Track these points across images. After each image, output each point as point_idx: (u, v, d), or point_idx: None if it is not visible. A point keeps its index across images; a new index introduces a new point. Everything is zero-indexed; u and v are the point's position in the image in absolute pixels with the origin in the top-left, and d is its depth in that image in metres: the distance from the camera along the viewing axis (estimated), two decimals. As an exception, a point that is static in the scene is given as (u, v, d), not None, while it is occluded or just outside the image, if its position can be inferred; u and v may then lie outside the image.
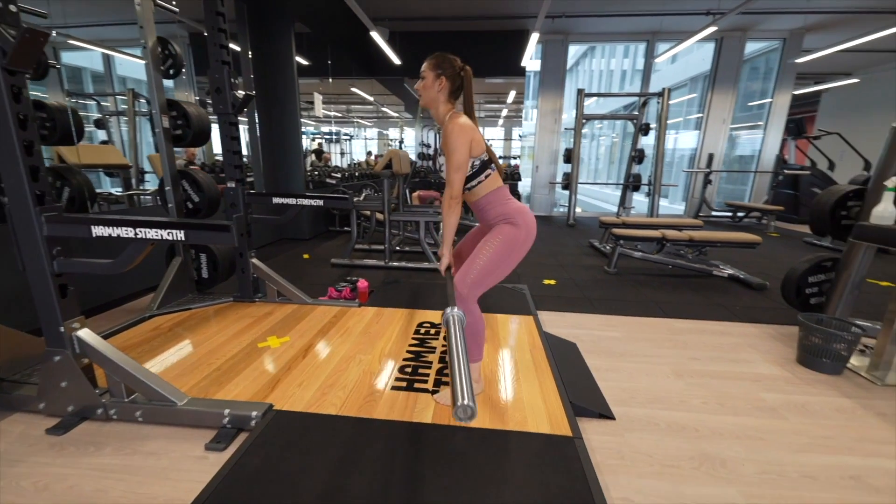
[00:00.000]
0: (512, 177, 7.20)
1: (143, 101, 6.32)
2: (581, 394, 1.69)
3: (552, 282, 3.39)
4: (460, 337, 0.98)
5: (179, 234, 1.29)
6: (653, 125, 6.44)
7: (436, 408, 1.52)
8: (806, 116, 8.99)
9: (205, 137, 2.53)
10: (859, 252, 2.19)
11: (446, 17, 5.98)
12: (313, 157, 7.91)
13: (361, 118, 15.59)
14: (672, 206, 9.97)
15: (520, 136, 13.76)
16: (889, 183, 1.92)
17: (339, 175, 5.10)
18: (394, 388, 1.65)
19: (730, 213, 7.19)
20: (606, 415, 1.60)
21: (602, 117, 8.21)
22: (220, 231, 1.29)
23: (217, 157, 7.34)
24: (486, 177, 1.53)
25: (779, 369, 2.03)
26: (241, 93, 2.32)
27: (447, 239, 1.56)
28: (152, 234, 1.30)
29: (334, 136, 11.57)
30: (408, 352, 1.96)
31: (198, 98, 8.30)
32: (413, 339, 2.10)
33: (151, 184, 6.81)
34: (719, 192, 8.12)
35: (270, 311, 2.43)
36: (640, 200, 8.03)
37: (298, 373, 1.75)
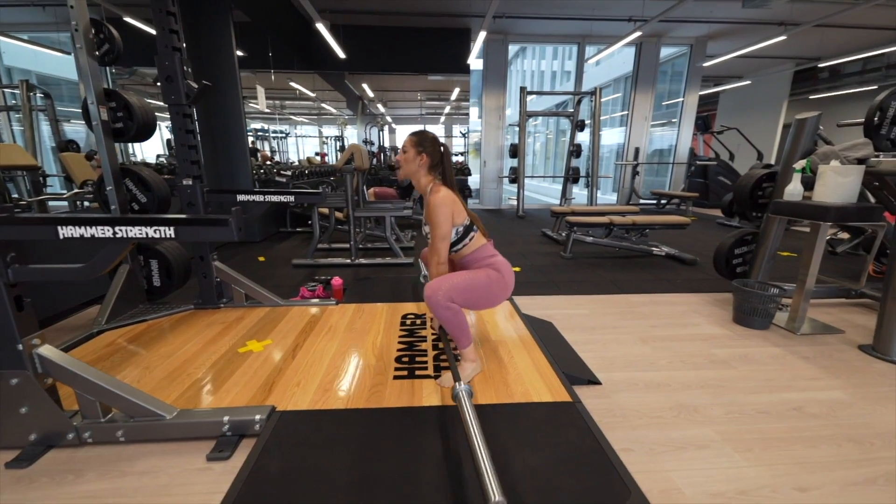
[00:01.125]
0: (462, 172, 7.35)
1: (39, 94, 5.48)
2: (568, 365, 1.83)
3: (517, 269, 3.56)
4: (475, 417, 1.11)
5: (169, 232, 1.19)
6: (588, 121, 6.97)
7: (443, 390, 1.56)
8: (710, 114, 10.28)
9: (150, 131, 2.30)
10: (774, 225, 2.60)
11: (390, 12, 5.94)
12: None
13: (295, 115, 14.82)
14: (605, 196, 10.84)
15: (461, 133, 14.03)
16: (797, 165, 2.31)
17: (289, 173, 4.85)
18: (396, 377, 1.66)
19: (654, 201, 8.01)
20: (594, 381, 1.76)
21: (543, 114, 8.69)
22: (217, 226, 1.20)
23: (161, 157, 6.61)
24: (471, 239, 1.68)
25: (721, 329, 2.35)
26: (195, 82, 2.14)
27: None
28: (135, 232, 1.18)
29: (264, 133, 10.90)
30: (400, 342, 1.97)
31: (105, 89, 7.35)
32: (401, 330, 2.11)
33: (55, 188, 5.93)
34: (645, 183, 9.00)
35: (241, 316, 2.28)
36: (577, 192, 8.66)
37: (292, 373, 1.68)
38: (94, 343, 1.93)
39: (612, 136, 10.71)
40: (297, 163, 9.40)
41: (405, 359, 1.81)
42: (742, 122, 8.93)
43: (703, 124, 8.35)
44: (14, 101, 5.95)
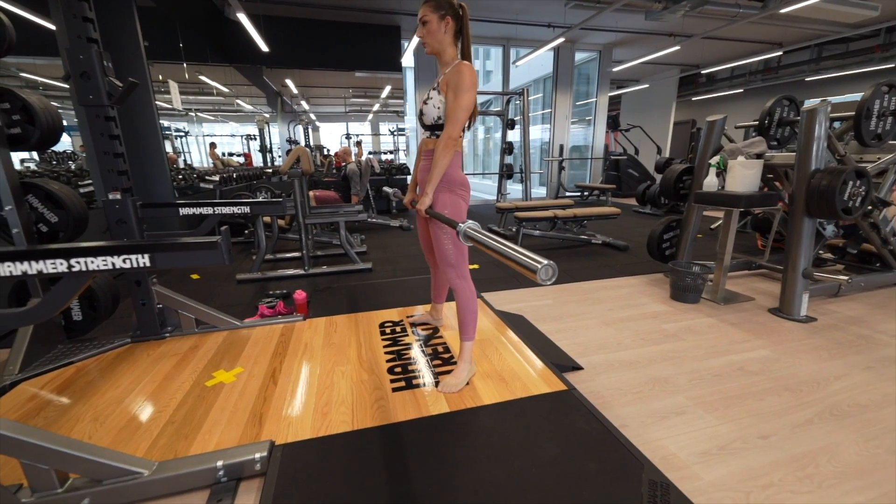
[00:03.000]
0: (400, 171, 7.27)
1: None
2: (551, 354, 1.94)
3: (476, 266, 3.65)
4: (489, 234, 1.07)
5: (143, 260, 1.01)
6: (517, 119, 7.34)
7: (447, 397, 1.56)
8: (618, 113, 11.46)
9: (56, 136, 1.93)
10: (694, 213, 3.01)
11: (316, 5, 5.62)
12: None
13: (201, 111, 13.32)
14: (535, 190, 11.52)
15: (390, 131, 13.84)
16: (713, 161, 2.70)
17: (215, 178, 4.36)
18: (394, 389, 1.62)
19: (579, 193, 8.73)
20: (577, 366, 1.89)
21: (483, 113, 8.90)
22: (203, 250, 1.06)
23: (28, 165, 5.47)
24: (460, 135, 1.57)
25: (664, 306, 2.67)
26: (118, 80, 1.82)
27: (435, 179, 1.53)
28: (98, 263, 0.98)
29: (165, 132, 9.68)
30: (386, 352, 1.92)
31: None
32: (384, 340, 2.05)
33: None
34: (568, 177, 9.76)
35: (196, 345, 2.02)
36: (511, 187, 9.08)
37: (280, 401, 1.55)
38: (10, 398, 1.57)
39: (535, 133, 11.40)
40: (204, 164, 8.49)
41: (398, 369, 1.77)
42: (642, 120, 10.10)
43: (613, 122, 9.30)
44: None
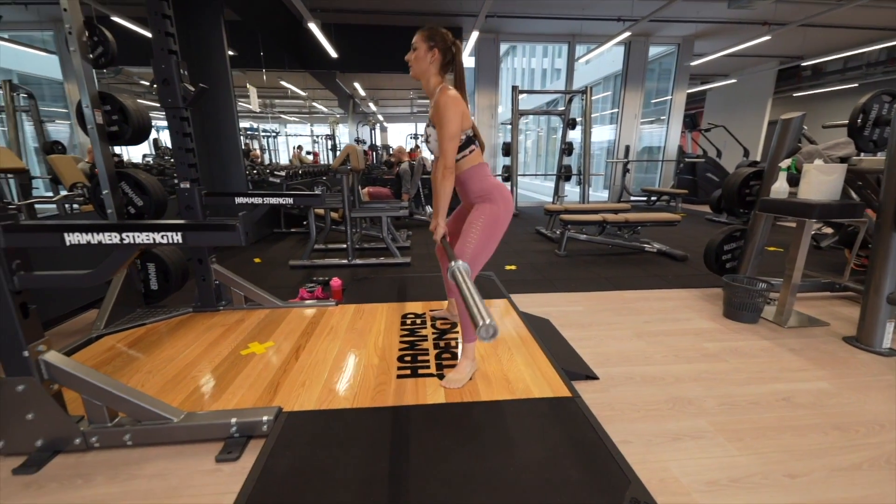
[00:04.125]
0: (455, 171, 7.37)
1: (23, 94, 5.36)
2: (566, 361, 1.88)
3: (513, 267, 3.61)
4: (469, 282, 1.06)
5: (176, 237, 1.20)
6: (579, 119, 7.05)
7: (447, 390, 1.59)
8: (698, 111, 10.45)
9: (145, 134, 2.28)
10: (762, 222, 2.68)
11: (382, 11, 5.92)
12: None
13: (285, 113, 14.67)
14: (596, 193, 10.96)
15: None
16: (783, 164, 2.38)
17: (282, 173, 4.83)
18: (399, 376, 1.69)
19: (645, 198, 8.13)
20: (591, 376, 1.81)
21: (536, 113, 8.72)
22: (225, 231, 1.22)
23: (147, 159, 6.49)
24: (471, 152, 1.63)
25: (711, 323, 2.43)
26: (193, 84, 2.13)
27: (442, 209, 1.62)
28: (143, 238, 1.19)
29: (253, 133, 10.81)
30: (401, 342, 2.00)
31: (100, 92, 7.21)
32: (402, 330, 2.14)
33: (40, 191, 5.81)
34: (636, 180, 9.14)
35: (241, 318, 2.28)
36: (570, 189, 8.74)
37: (297, 374, 1.70)
38: (94, 348, 1.93)
39: (602, 134, 10.83)
40: (287, 162, 9.33)
41: (407, 358, 1.84)
42: (728, 119, 9.10)
43: (691, 122, 8.50)
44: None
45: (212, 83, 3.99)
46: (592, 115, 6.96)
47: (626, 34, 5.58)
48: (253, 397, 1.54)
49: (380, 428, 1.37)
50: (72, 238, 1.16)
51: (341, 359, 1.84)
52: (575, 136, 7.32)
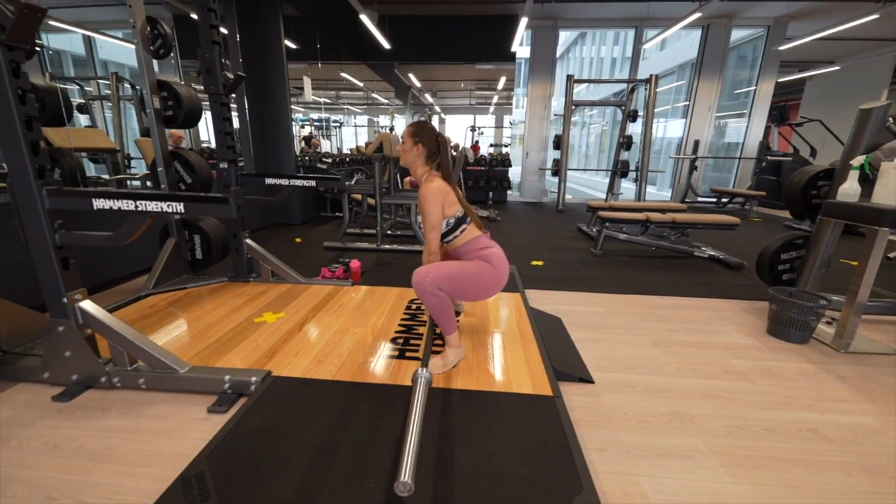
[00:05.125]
0: (502, 163, 7.25)
1: (126, 84, 6.20)
2: (563, 361, 1.80)
3: (540, 263, 3.49)
4: (423, 403, 1.14)
5: (179, 207, 1.34)
6: (641, 112, 6.54)
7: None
8: (790, 103, 9.16)
9: (196, 118, 2.53)
10: (827, 229, 2.31)
11: (436, 1, 5.94)
12: (303, 143, 7.86)
13: (351, 105, 15.39)
14: (660, 192, 10.15)
15: (511, 122, 13.76)
16: (854, 162, 2.03)
17: (329, 160, 5.10)
18: (387, 356, 1.74)
19: (714, 199, 7.35)
20: (586, 379, 1.71)
21: (589, 104, 8.25)
22: (219, 203, 1.34)
23: (205, 144, 7.26)
24: (462, 231, 1.69)
25: (750, 339, 2.16)
26: (233, 73, 2.33)
27: None
28: (152, 206, 1.35)
29: (324, 123, 11.46)
30: (399, 325, 2.05)
31: (182, 82, 8.15)
32: (405, 314, 2.19)
33: (137, 169, 6.72)
34: (706, 179, 8.28)
35: (265, 290, 2.48)
36: (628, 187, 8.17)
37: (295, 344, 1.82)
38: (139, 305, 2.22)
39: (675, 128, 9.94)
40: (349, 151, 9.79)
41: (400, 340, 1.88)
42: (832, 113, 7.86)
43: (780, 115, 7.46)
44: (107, 92, 6.80)
45: (269, 75, 4.32)
46: (663, 108, 6.41)
47: (696, 15, 5.02)
48: (251, 360, 1.68)
49: (350, 401, 1.42)
50: (98, 203, 1.35)
51: (339, 335, 1.93)
52: (637, 129, 6.81)
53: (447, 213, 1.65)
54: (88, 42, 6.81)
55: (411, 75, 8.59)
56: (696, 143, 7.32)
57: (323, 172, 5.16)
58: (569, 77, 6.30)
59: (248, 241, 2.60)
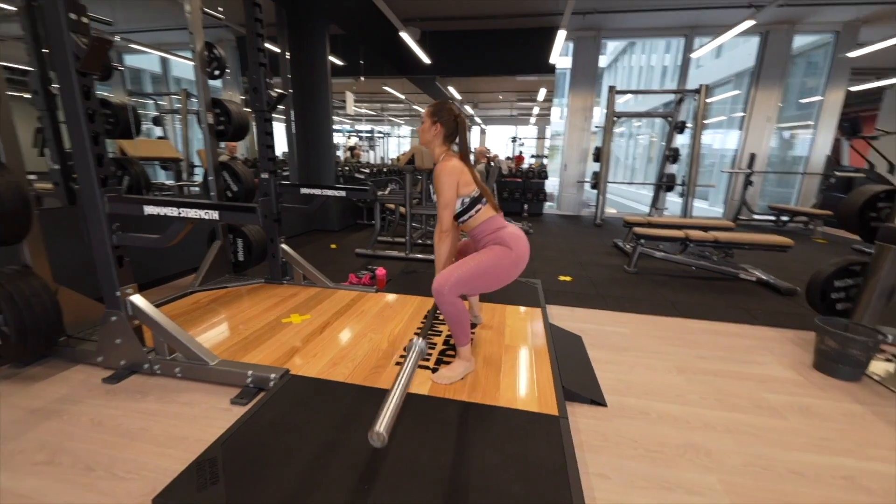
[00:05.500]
0: (539, 175, 7.18)
1: (194, 99, 6.87)
2: (576, 381, 1.76)
3: (568, 278, 3.42)
4: (412, 366, 1.23)
5: (214, 214, 1.49)
6: (689, 124, 6.23)
7: (433, 384, 1.64)
8: (866, 114, 8.32)
9: (243, 132, 2.77)
10: (888, 256, 2.09)
11: (476, 17, 6.06)
12: (348, 153, 8.24)
13: (395, 117, 15.93)
14: (712, 208, 9.54)
15: (554, 133, 13.59)
16: (917, 183, 1.83)
17: (367, 170, 5.32)
18: (398, 363, 1.79)
19: (773, 217, 6.80)
20: (598, 401, 1.66)
21: (633, 115, 7.97)
22: (247, 212, 1.47)
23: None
24: (477, 211, 1.69)
25: (791, 373, 1.99)
26: (275, 91, 2.53)
27: (438, 267, 1.74)
28: (192, 213, 1.50)
29: (368, 135, 11.94)
30: (415, 333, 2.10)
31: (243, 98, 8.86)
32: (423, 322, 2.23)
33: (199, 176, 7.38)
34: (764, 195, 7.69)
35: (296, 293, 2.64)
36: (675, 202, 7.76)
37: (314, 345, 1.93)
38: (185, 300, 2.44)
39: (731, 140, 9.33)
40: (390, 161, 10.14)
41: (413, 349, 1.92)
42: (914, 124, 7.03)
43: (851, 127, 6.80)
44: (178, 106, 7.57)
45: (313, 91, 4.61)
46: (717, 119, 6.08)
47: (749, 23, 4.73)
48: (273, 357, 1.80)
49: (357, 404, 1.48)
50: (148, 209, 1.53)
51: (357, 339, 2.01)
52: (686, 140, 6.49)
53: (462, 193, 1.65)
54: (163, 62, 7.62)
55: (451, 88, 8.76)
56: (752, 157, 6.84)
57: (360, 182, 5.39)
58: (610, 88, 6.15)
59: (284, 245, 2.78)
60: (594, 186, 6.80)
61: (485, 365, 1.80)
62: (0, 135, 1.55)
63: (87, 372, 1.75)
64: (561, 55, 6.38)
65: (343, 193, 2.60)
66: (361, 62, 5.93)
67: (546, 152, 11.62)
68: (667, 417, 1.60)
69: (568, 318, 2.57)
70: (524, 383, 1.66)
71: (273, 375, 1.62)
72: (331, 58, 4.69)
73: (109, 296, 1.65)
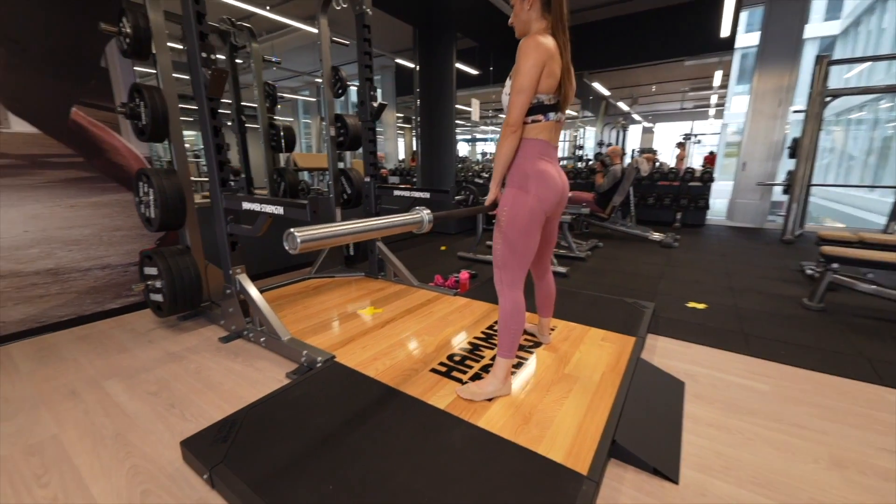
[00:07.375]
0: (700, 178, 5.86)
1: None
2: (641, 438, 1.34)
3: (701, 305, 2.67)
4: (402, 220, 1.20)
5: (279, 210, 1.72)
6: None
7: (455, 399, 1.50)
8: None
9: (358, 142, 3.13)
10: None
11: (614, 1, 5.36)
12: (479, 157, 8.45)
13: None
14: None
15: (721, 126, 10.91)
16: None
17: (487, 175, 5.32)
18: (432, 370, 1.71)
19: None
20: (665, 474, 1.23)
21: (857, 92, 5.57)
22: (298, 208, 1.65)
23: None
24: (534, 121, 1.40)
25: None
26: (377, 102, 2.79)
27: (497, 175, 1.49)
28: (270, 208, 1.77)
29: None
30: (469, 342, 1.97)
31: (401, 115, 10.06)
32: (482, 333, 2.09)
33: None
34: None
35: (382, 288, 2.83)
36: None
37: (369, 338, 2.02)
38: (298, 285, 2.91)
39: None
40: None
41: (457, 358, 1.81)
42: None
43: None
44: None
45: (439, 100, 4.88)
46: None
47: None
48: (330, 342, 1.96)
49: (377, 403, 1.47)
50: (245, 205, 1.87)
51: (408, 338, 2.02)
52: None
53: (542, 87, 1.34)
54: (317, 89, 9.72)
55: (597, 84, 8.00)
56: None
57: (480, 186, 5.43)
58: (819, 58, 4.57)
59: (380, 244, 3.01)
60: (787, 190, 5.16)
61: (530, 391, 1.55)
62: (175, 151, 2.14)
63: (215, 331, 2.26)
64: (746, 31, 5.08)
65: (427, 195, 2.66)
66: (491, 69, 5.98)
67: (720, 149, 9.44)
68: (775, 528, 1.06)
69: (677, 356, 2.00)
70: (561, 424, 1.36)
71: (320, 359, 1.76)
72: (459, 65, 4.88)
73: (226, 273, 2.09)
